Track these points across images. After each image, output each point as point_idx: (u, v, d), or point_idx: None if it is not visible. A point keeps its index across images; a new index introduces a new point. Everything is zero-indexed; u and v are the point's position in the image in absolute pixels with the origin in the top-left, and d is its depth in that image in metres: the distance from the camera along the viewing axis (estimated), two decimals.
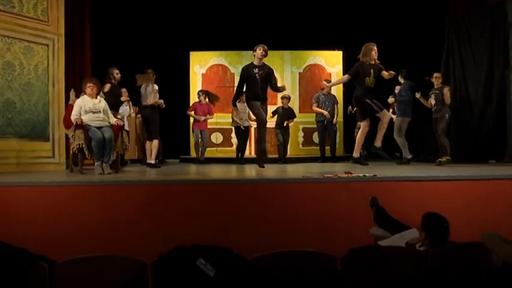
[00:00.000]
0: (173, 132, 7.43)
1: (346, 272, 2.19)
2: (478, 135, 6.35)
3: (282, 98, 7.16)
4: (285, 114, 7.09)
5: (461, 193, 3.83)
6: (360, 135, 5.24)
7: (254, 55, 5.23)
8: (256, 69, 5.15)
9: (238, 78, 5.56)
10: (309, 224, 3.63)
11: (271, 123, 7.19)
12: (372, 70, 5.06)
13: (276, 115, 7.08)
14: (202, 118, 7.12)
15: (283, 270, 2.16)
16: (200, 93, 7.31)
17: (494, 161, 6.12)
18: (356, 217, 3.59)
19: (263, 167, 5.19)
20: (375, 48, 5.10)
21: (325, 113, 7.09)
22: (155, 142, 6.08)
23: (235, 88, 5.49)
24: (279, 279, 2.15)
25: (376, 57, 5.10)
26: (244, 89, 5.36)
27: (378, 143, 5.17)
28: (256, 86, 5.12)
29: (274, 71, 8.22)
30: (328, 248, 2.35)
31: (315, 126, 7.48)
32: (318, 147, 7.34)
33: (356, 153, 5.19)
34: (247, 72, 5.18)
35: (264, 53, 5.16)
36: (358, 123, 5.40)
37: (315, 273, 2.18)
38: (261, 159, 5.28)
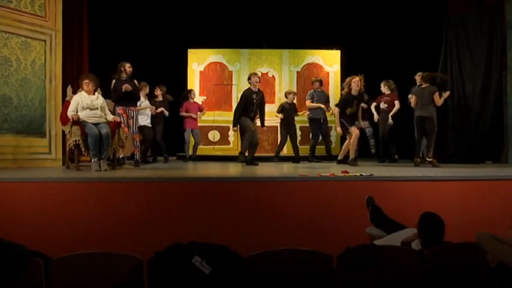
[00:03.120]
0: (170, 130, 7.39)
1: (342, 270, 2.18)
2: (474, 135, 6.36)
3: (288, 93, 6.94)
4: (292, 109, 6.85)
5: (457, 193, 3.85)
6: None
7: (250, 82, 5.90)
8: (255, 95, 5.89)
9: (240, 96, 6.10)
10: (306, 222, 3.64)
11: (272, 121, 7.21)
12: (355, 101, 5.78)
13: (282, 112, 6.79)
14: (195, 116, 7.13)
15: (279, 268, 2.16)
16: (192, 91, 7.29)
17: (490, 162, 6.13)
18: (352, 216, 3.59)
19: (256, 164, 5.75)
20: (356, 79, 5.73)
21: (323, 106, 6.82)
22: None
23: (236, 111, 5.99)
24: (275, 278, 2.14)
25: (358, 88, 5.75)
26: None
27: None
28: (253, 108, 5.87)
29: (272, 70, 8.42)
30: (324, 246, 2.34)
31: None
32: (310, 146, 6.92)
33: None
34: (248, 97, 5.87)
35: (259, 80, 5.95)
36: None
37: (311, 272, 2.17)
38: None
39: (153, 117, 6.72)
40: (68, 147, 4.89)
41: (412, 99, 5.95)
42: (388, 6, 7.84)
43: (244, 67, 8.24)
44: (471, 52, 6.52)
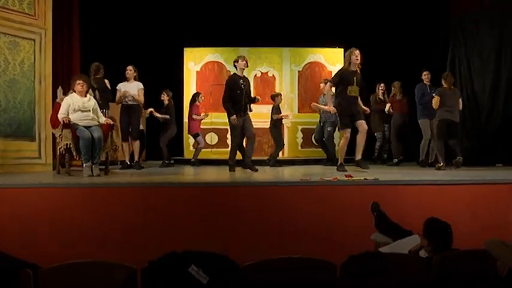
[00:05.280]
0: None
1: (346, 279, 2.14)
2: (484, 136, 6.26)
3: (277, 95, 6.97)
4: None
5: (464, 198, 3.84)
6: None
7: (236, 66, 5.31)
8: (241, 81, 5.28)
9: (225, 84, 5.38)
10: (307, 229, 3.59)
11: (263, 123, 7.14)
12: (355, 78, 5.02)
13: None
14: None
15: (280, 278, 2.11)
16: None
17: (501, 165, 5.95)
18: (356, 222, 3.53)
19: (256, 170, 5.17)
20: (356, 52, 5.00)
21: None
22: (138, 143, 6.07)
23: (224, 99, 5.27)
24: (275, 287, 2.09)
25: (357, 63, 5.01)
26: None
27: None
28: (241, 97, 5.23)
29: (272, 69, 8.33)
30: (327, 254, 2.30)
31: (314, 126, 7.32)
32: (325, 149, 7.00)
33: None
34: (234, 83, 5.24)
35: (246, 63, 5.33)
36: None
37: (314, 281, 2.13)
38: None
39: (162, 123, 6.69)
40: (58, 151, 4.77)
41: (434, 99, 5.62)
42: (393, 2, 7.74)
43: None
44: (480, 50, 6.45)
